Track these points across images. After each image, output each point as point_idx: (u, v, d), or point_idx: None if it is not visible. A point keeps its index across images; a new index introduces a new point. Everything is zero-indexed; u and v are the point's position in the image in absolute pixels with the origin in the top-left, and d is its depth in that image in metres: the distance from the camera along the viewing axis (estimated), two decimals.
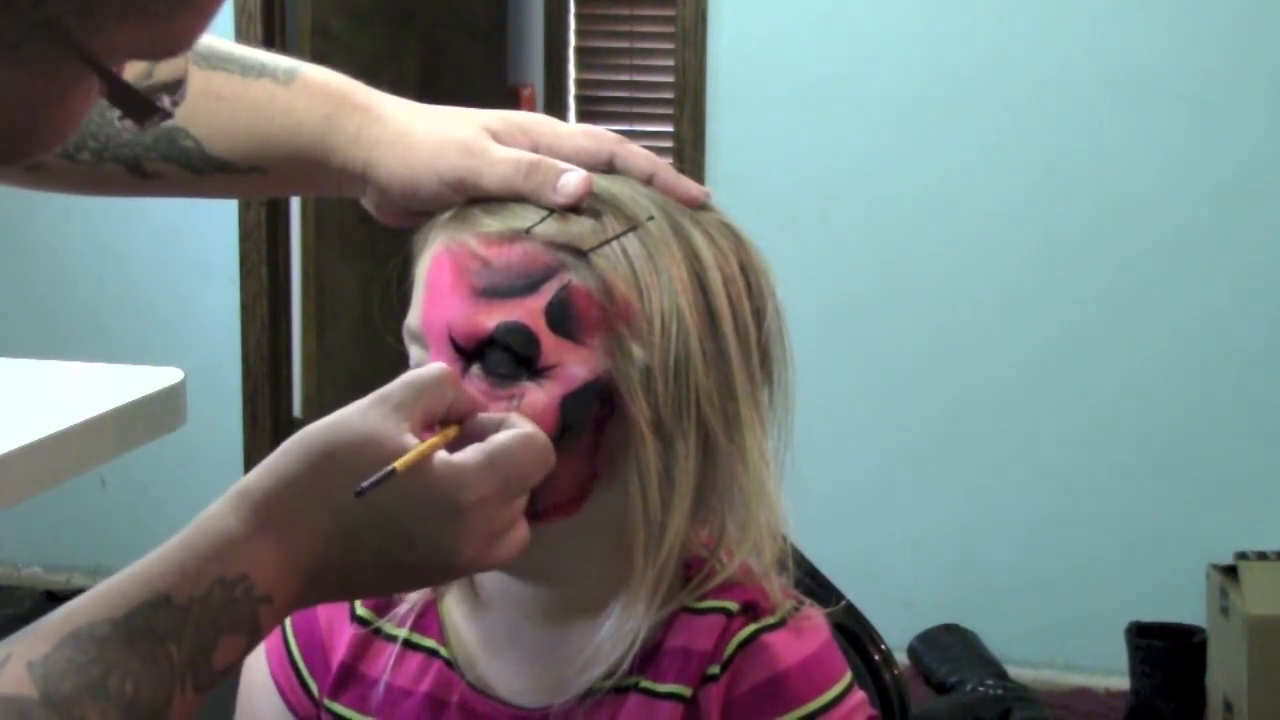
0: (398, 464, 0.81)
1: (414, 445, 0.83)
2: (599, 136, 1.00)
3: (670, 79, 3.62)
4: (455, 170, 0.98)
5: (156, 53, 0.69)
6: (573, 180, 0.95)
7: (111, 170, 1.04)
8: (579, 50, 5.37)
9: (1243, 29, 3.30)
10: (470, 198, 0.97)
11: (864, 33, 3.46)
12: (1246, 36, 3.31)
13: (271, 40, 3.67)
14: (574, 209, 0.95)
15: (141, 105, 0.70)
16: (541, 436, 0.88)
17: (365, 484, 0.80)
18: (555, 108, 5.26)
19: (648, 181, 0.98)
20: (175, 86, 0.77)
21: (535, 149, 0.98)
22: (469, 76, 4.38)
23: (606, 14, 5.36)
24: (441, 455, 0.84)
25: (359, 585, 0.87)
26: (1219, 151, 3.33)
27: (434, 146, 0.99)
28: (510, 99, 4.88)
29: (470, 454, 0.85)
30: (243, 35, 3.65)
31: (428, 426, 0.86)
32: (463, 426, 0.89)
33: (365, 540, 0.83)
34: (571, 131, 1.01)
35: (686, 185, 0.98)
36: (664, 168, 0.99)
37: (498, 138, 0.99)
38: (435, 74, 4.05)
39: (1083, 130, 3.38)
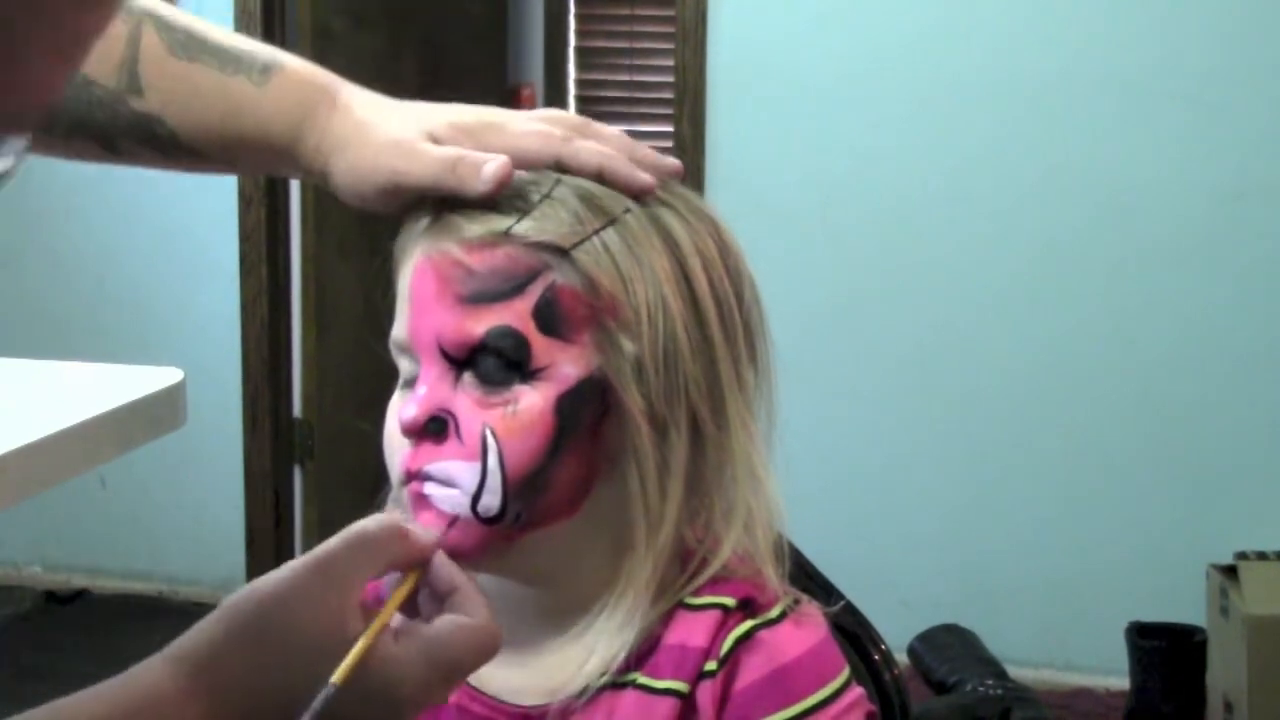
0: (335, 677, 0.79)
1: (356, 628, 0.81)
2: (547, 137, 0.99)
3: (670, 79, 3.62)
4: (390, 175, 0.98)
5: None
6: (492, 168, 0.95)
7: (83, 145, 1.06)
8: (579, 50, 5.37)
9: (1243, 29, 3.30)
10: (405, 198, 0.98)
11: (864, 33, 3.46)
12: (1246, 36, 3.31)
13: (271, 40, 3.66)
14: (514, 207, 0.94)
15: None
16: (490, 629, 0.86)
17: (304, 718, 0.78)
18: (555, 107, 5.26)
19: (598, 179, 0.97)
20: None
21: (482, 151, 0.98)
22: (469, 76, 4.38)
23: (606, 14, 5.36)
24: (383, 647, 0.81)
25: None
26: (1219, 151, 3.33)
27: (375, 153, 1.00)
28: (510, 99, 4.88)
29: (412, 648, 0.83)
30: (243, 35, 3.65)
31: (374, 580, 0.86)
32: (417, 574, 0.87)
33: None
34: (518, 133, 1.00)
35: (635, 175, 0.97)
36: (612, 160, 0.97)
37: (439, 142, 0.99)
38: (435, 74, 4.05)
39: (1082, 130, 3.38)
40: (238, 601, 0.82)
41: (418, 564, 0.87)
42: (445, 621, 0.85)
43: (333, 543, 0.84)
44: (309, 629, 0.80)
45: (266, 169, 1.07)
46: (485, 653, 0.85)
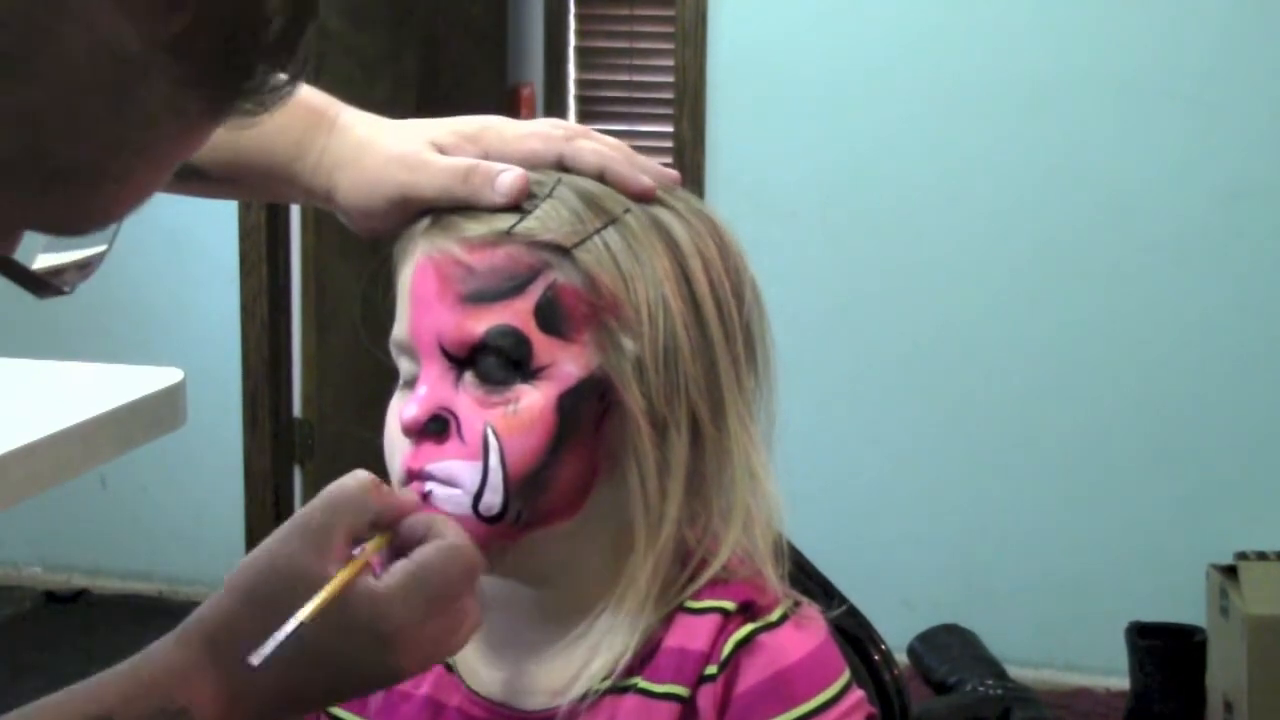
0: (304, 614, 0.81)
1: (334, 577, 0.84)
2: (548, 138, 1.00)
3: (670, 79, 3.62)
4: (399, 188, 0.98)
5: (60, 229, 0.65)
6: (509, 178, 0.95)
7: None
8: (579, 50, 5.36)
9: (1242, 29, 3.31)
10: (414, 212, 0.98)
11: (864, 33, 3.46)
12: (1246, 36, 3.31)
13: None
14: (515, 207, 0.95)
15: (34, 284, 0.68)
16: (467, 546, 0.88)
17: (265, 651, 0.81)
18: (555, 108, 5.26)
19: (599, 179, 0.98)
20: (89, 265, 0.72)
21: (485, 157, 0.99)
22: (469, 76, 4.37)
23: (606, 14, 5.36)
24: (362, 584, 0.84)
25: (303, 708, 0.87)
26: (1218, 151, 3.33)
27: (381, 166, 1.00)
28: (510, 99, 4.88)
29: (391, 579, 0.85)
30: None
31: (355, 541, 0.87)
32: (391, 534, 0.88)
33: (303, 674, 0.84)
34: (521, 135, 1.01)
35: (636, 176, 0.98)
36: (614, 161, 0.98)
37: (444, 150, 0.99)
38: (435, 74, 4.05)
39: (1083, 130, 3.38)
40: (236, 574, 0.85)
41: (396, 518, 0.89)
42: (425, 547, 0.87)
43: (312, 503, 0.87)
44: (294, 587, 0.83)
45: (267, 191, 1.07)
46: (470, 570, 0.87)
